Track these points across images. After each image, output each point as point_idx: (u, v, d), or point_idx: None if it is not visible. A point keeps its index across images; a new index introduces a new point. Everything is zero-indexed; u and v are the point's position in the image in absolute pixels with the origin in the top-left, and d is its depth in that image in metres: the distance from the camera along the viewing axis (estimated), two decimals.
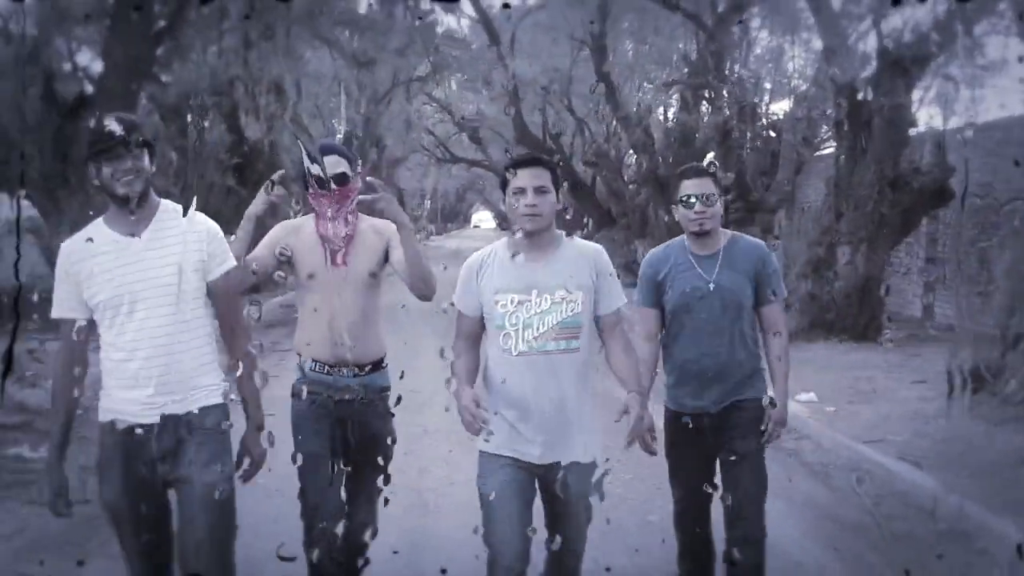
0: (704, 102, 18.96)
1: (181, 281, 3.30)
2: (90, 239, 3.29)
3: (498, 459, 3.48)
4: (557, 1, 18.40)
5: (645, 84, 23.66)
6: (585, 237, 4.05)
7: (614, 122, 24.00)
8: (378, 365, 4.03)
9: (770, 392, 4.06)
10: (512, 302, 3.45)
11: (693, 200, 4.02)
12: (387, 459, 3.93)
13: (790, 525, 5.41)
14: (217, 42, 14.84)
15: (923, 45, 11.99)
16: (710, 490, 3.97)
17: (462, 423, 3.34)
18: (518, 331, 3.44)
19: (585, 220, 25.68)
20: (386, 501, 3.93)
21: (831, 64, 13.16)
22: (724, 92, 17.53)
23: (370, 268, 3.98)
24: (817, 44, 16.50)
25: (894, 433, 7.49)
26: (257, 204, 3.77)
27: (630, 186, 23.75)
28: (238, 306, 3.51)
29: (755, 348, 4.12)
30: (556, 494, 3.43)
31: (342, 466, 3.92)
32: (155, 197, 3.37)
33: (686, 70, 19.25)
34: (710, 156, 4.34)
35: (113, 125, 3.21)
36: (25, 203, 12.31)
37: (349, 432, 3.94)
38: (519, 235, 3.47)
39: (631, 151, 24.17)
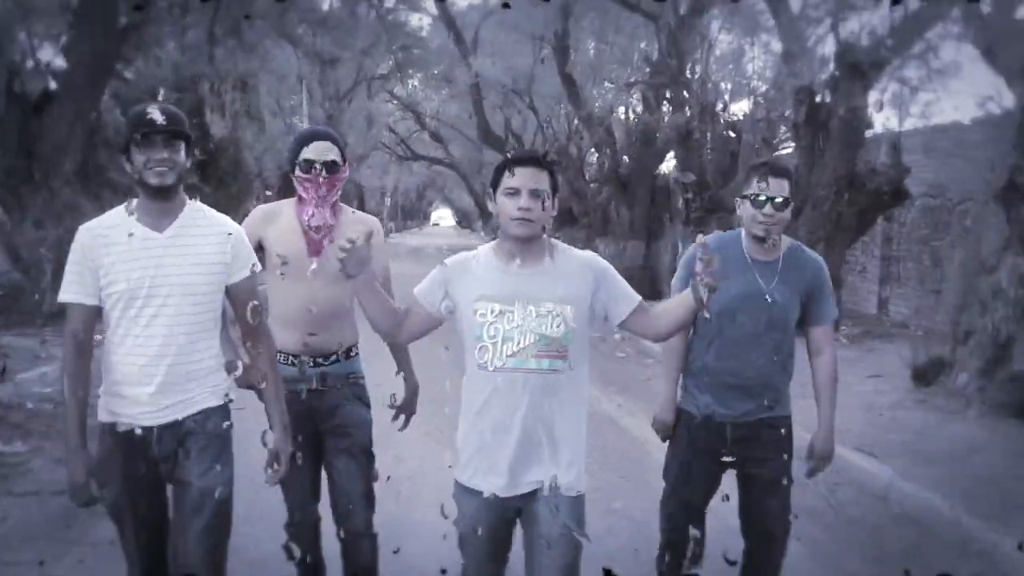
0: (665, 102, 19.20)
1: (201, 282, 3.26)
2: (114, 226, 3.22)
3: (471, 494, 3.19)
4: (521, 1, 18.50)
5: (607, 84, 23.85)
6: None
7: (575, 121, 24.21)
8: (348, 353, 3.94)
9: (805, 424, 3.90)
10: (492, 312, 3.12)
11: (765, 201, 3.62)
12: (365, 443, 3.92)
13: None
14: (181, 38, 14.79)
15: (879, 49, 12.25)
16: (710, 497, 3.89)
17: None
18: (496, 344, 3.11)
19: None
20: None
21: (790, 67, 13.41)
22: (685, 92, 17.75)
23: None
24: (777, 46, 16.76)
25: (849, 425, 7.73)
26: None
27: (591, 185, 23.95)
28: (259, 309, 3.42)
29: (792, 367, 3.87)
30: (532, 530, 3.16)
31: (314, 457, 3.89)
32: (183, 194, 3.32)
33: (647, 70, 19.46)
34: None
35: (155, 113, 3.13)
36: None
37: (319, 421, 3.89)
38: (506, 240, 3.18)
39: (592, 150, 24.42)
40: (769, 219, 3.62)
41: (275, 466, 3.43)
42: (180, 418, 3.24)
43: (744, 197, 3.70)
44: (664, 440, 4.07)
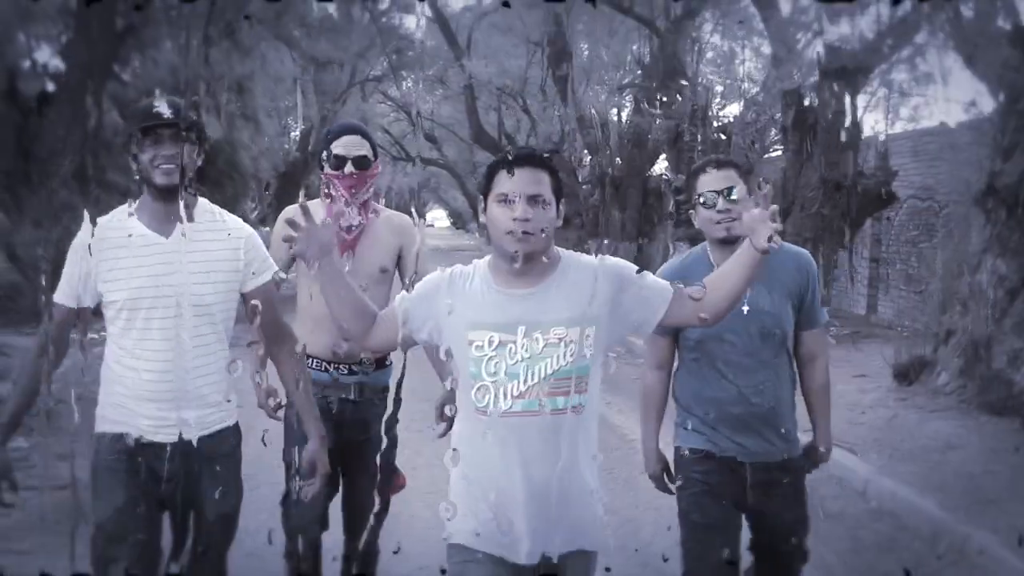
0: (657, 104, 19.35)
1: (210, 291, 3.00)
2: (114, 229, 2.96)
3: (472, 555, 2.59)
4: (515, 3, 18.62)
5: (597, 86, 23.99)
6: None
7: (567, 125, 24.35)
8: (381, 363, 3.75)
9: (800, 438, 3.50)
10: (490, 343, 2.52)
11: (714, 196, 3.24)
12: (388, 462, 3.71)
13: None
14: (177, 40, 14.90)
15: (867, 54, 12.41)
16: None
17: None
18: (498, 383, 2.51)
19: None
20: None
21: (778, 70, 13.57)
22: (676, 95, 17.90)
23: (381, 263, 3.71)
24: (767, 50, 16.93)
25: (832, 422, 7.89)
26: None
27: (583, 186, 24.08)
28: (279, 317, 3.19)
29: (794, 387, 3.48)
30: None
31: (337, 471, 3.64)
32: (192, 194, 3.04)
33: (639, 72, 19.60)
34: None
35: (162, 106, 2.85)
36: None
37: (348, 434, 3.68)
38: (501, 259, 2.58)
39: (585, 152, 24.55)
40: (726, 214, 3.20)
41: (309, 479, 3.22)
42: (193, 440, 2.98)
43: (693, 206, 3.34)
44: (661, 489, 3.57)
